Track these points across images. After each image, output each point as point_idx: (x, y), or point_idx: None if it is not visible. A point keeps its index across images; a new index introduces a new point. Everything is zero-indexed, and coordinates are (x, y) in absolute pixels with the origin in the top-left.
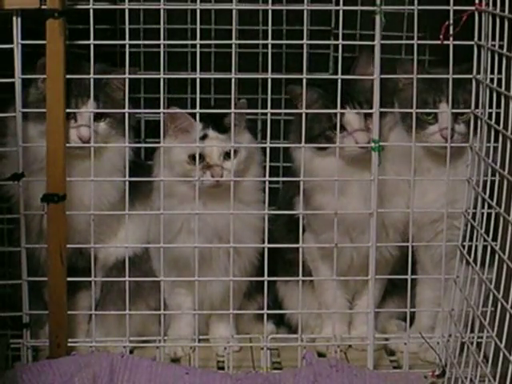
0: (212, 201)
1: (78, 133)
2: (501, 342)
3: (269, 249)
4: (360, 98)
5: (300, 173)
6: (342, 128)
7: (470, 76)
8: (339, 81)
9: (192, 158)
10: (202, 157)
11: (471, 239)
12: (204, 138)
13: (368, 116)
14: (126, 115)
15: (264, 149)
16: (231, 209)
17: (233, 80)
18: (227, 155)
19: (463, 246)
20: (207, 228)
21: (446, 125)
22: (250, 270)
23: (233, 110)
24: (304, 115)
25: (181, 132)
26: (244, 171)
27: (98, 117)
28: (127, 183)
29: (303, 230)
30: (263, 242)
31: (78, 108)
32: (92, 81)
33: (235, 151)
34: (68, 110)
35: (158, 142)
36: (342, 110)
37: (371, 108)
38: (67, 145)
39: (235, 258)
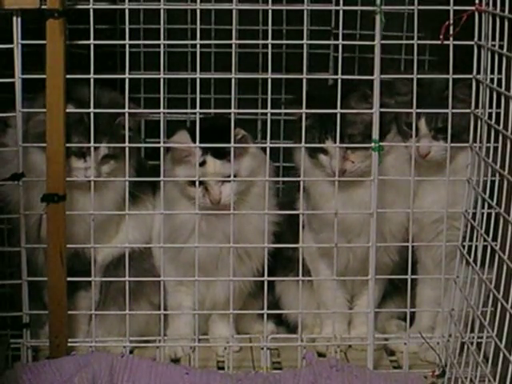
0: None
1: (85, 173)
2: (501, 342)
3: (273, 249)
4: (348, 131)
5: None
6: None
7: (470, 76)
8: (339, 81)
9: (192, 182)
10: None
11: (471, 239)
12: (203, 164)
13: (352, 148)
14: (126, 115)
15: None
16: (231, 216)
17: (233, 80)
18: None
19: (463, 246)
20: (218, 233)
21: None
22: (261, 272)
23: (232, 126)
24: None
25: (182, 160)
26: (249, 186)
27: (106, 157)
28: (127, 184)
29: (303, 228)
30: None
31: (90, 150)
32: (92, 81)
33: (235, 175)
34: (74, 145)
35: (158, 142)
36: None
37: (361, 140)
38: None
39: (246, 262)
